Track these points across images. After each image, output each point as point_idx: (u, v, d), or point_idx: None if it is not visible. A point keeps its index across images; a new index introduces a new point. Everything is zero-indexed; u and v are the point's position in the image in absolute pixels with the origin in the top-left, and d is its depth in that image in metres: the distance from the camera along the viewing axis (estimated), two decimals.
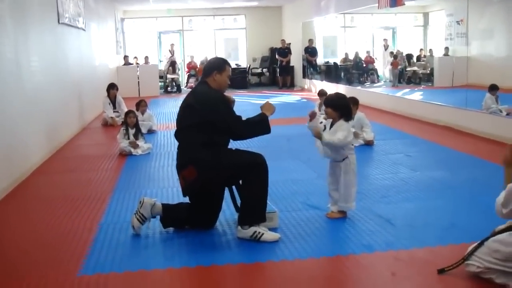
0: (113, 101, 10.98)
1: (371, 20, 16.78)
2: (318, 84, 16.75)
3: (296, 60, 19.18)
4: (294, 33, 19.26)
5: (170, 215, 4.40)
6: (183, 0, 17.90)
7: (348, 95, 5.79)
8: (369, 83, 16.57)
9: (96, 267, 3.71)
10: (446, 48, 12.78)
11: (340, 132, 4.42)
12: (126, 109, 9.45)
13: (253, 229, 4.10)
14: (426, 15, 15.45)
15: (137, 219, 4.30)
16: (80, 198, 5.48)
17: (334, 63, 17.84)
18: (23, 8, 7.10)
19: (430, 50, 14.96)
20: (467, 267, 3.34)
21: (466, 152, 7.31)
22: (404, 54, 15.58)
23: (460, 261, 3.36)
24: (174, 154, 4.57)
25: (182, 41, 21.31)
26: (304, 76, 18.79)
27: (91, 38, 12.56)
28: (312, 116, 4.46)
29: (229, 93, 4.70)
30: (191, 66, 19.83)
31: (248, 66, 20.91)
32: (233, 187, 4.40)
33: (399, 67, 15.23)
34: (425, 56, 15.13)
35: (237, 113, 4.26)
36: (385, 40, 16.60)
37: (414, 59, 15.56)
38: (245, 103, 13.15)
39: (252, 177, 4.11)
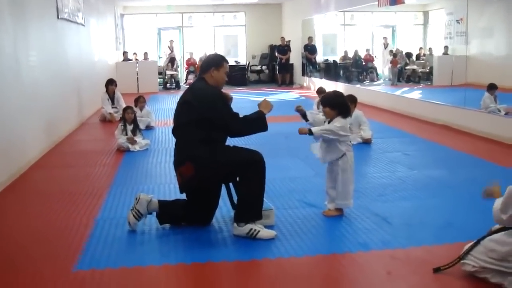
0: (111, 97, 10.96)
1: (371, 18, 16.77)
2: (317, 82, 16.74)
3: (295, 57, 19.17)
4: (293, 31, 19.25)
5: (166, 211, 4.40)
6: None
7: (346, 93, 5.81)
8: (368, 81, 16.57)
9: (91, 263, 3.70)
10: (446, 47, 12.79)
11: (337, 122, 4.43)
12: (124, 105, 9.43)
13: (249, 226, 4.09)
14: (426, 14, 15.44)
15: (133, 215, 4.29)
16: (77, 193, 5.48)
17: (334, 61, 17.84)
18: (22, 3, 7.08)
19: (430, 48, 14.96)
20: (462, 266, 3.34)
21: (464, 151, 7.31)
22: (403, 53, 15.57)
23: (456, 260, 3.36)
24: (171, 150, 4.56)
25: (182, 38, 21.29)
26: (303, 74, 18.78)
27: (90, 34, 12.54)
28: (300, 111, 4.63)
29: (227, 90, 4.70)
30: (190, 63, 19.82)
31: (248, 63, 20.90)
32: (230, 184, 4.40)
33: (399, 65, 15.23)
34: (424, 55, 15.13)
35: (236, 110, 4.25)
36: (385, 38, 16.59)
37: (414, 57, 15.55)
38: (244, 100, 13.15)
39: (250, 174, 4.10)
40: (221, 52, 18.55)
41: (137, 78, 17.54)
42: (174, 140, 4.39)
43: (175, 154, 4.30)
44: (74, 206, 5.07)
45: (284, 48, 19.03)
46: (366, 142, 7.80)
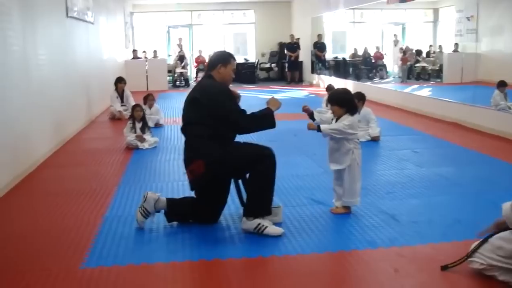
0: (120, 94, 11.00)
1: (380, 15, 16.73)
2: (326, 80, 16.70)
3: (304, 55, 19.14)
4: (303, 28, 19.22)
5: (174, 209, 4.40)
6: None
7: (356, 91, 5.78)
8: (378, 79, 16.52)
9: (99, 260, 3.72)
10: (456, 44, 12.70)
11: (345, 120, 4.42)
12: (133, 103, 9.46)
13: (257, 221, 4.09)
14: (436, 11, 15.36)
15: (141, 213, 4.30)
16: (85, 192, 5.50)
17: (343, 58, 17.81)
18: (31, 1, 7.11)
19: (440, 46, 14.87)
20: (470, 264, 3.33)
21: (473, 149, 7.27)
22: (413, 50, 15.50)
23: (464, 258, 3.34)
24: (180, 148, 4.58)
25: (191, 36, 21.31)
26: (312, 71, 18.76)
27: (99, 32, 12.58)
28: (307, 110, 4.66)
29: (236, 88, 4.70)
30: (199, 61, 19.83)
31: (257, 61, 20.89)
32: (239, 181, 4.40)
33: (408, 63, 15.17)
34: (434, 52, 15.05)
35: (245, 107, 4.25)
36: (395, 35, 16.53)
37: (424, 55, 15.48)
38: (253, 98, 13.15)
39: (260, 169, 4.08)
40: (230, 49, 18.65)
41: (147, 76, 17.61)
42: (183, 138, 4.38)
43: (185, 152, 4.29)
44: (82, 204, 5.09)
45: (294, 46, 19.02)
46: (374, 139, 7.77)
